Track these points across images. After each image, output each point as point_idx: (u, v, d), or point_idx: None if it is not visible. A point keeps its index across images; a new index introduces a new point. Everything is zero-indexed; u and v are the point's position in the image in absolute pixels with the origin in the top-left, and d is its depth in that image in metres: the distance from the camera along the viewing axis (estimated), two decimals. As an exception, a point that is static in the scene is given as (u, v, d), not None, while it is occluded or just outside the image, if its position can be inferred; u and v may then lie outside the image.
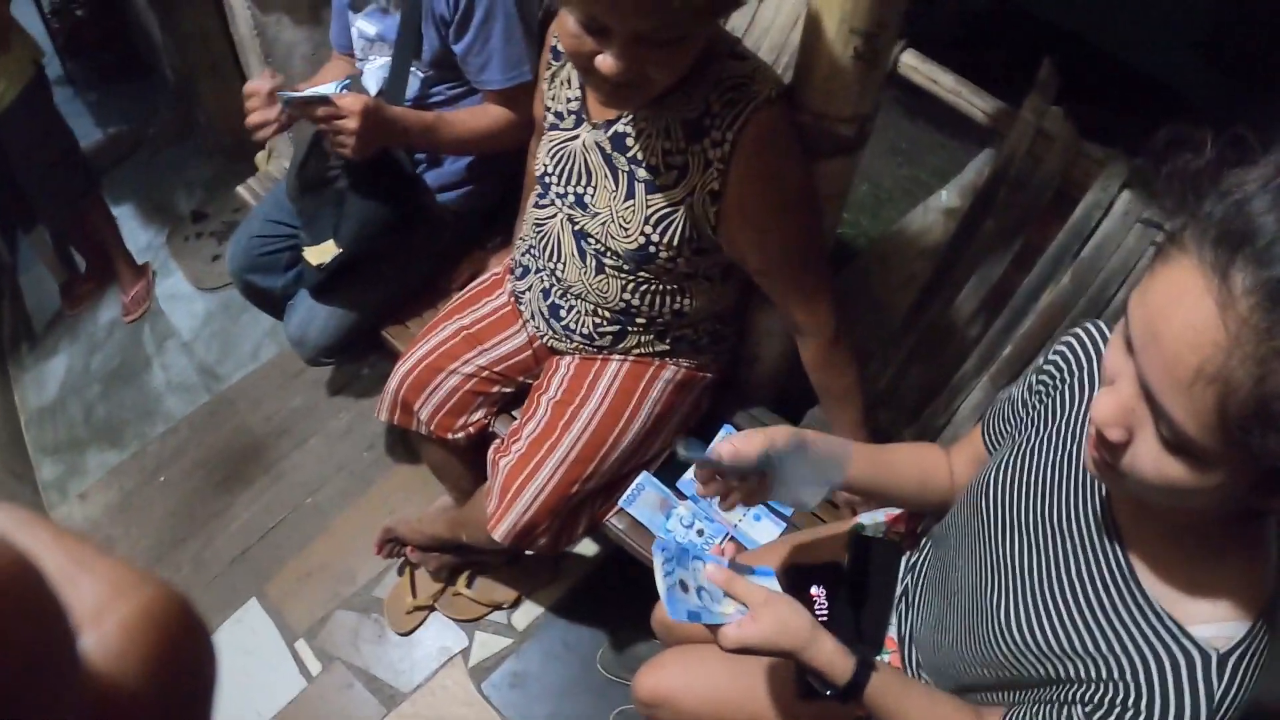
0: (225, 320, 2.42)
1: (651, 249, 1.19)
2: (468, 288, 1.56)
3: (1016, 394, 0.98)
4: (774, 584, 0.96)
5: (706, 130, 1.09)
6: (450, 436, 1.48)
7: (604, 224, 1.21)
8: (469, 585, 1.78)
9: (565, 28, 0.98)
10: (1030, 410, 0.94)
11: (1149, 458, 0.62)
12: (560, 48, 1.24)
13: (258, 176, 2.07)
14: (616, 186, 1.19)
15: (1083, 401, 0.85)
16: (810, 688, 0.93)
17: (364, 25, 1.57)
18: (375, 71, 1.58)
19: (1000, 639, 0.85)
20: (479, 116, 1.53)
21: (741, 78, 1.09)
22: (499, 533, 1.34)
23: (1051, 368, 0.92)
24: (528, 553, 1.64)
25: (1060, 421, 0.87)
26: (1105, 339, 0.87)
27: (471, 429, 1.49)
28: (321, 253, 1.59)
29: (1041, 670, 0.81)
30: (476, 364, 1.45)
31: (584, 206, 1.23)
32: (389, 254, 1.63)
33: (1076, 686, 0.78)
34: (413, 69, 1.54)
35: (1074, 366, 0.89)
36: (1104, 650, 0.76)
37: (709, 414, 1.55)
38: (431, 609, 1.78)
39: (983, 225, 1.48)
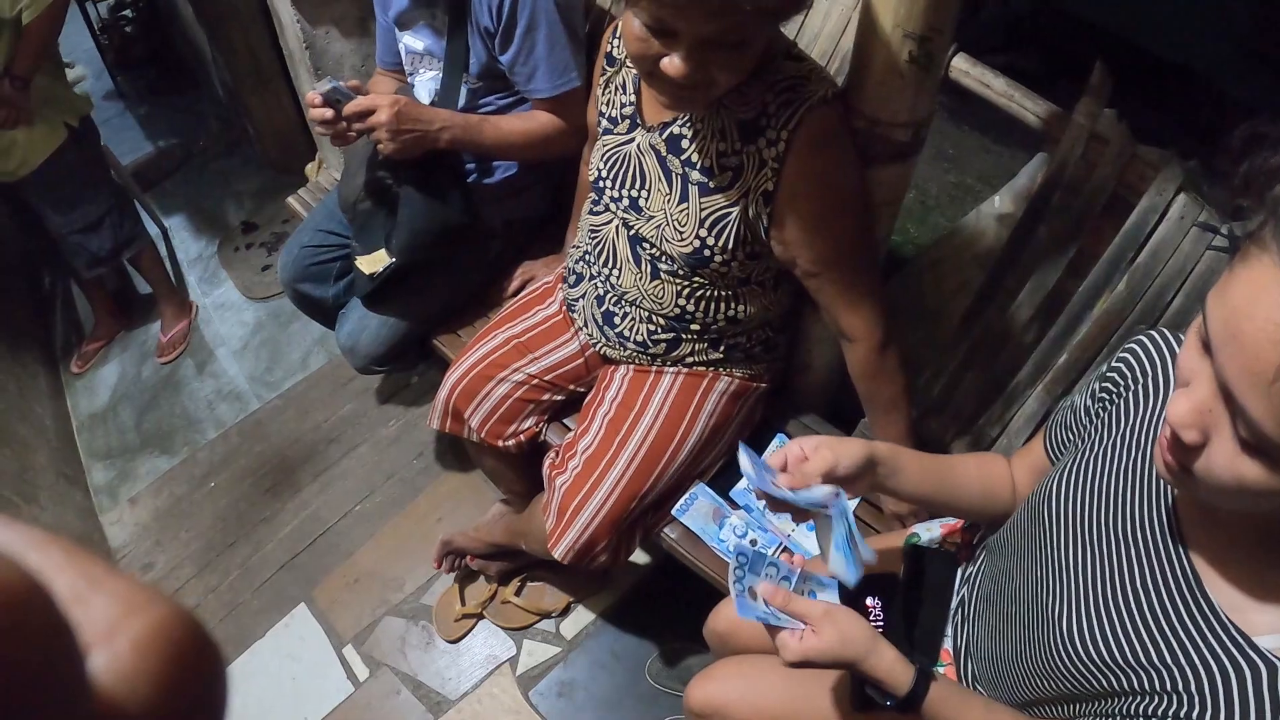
0: (274, 329, 2.46)
1: (706, 252, 1.19)
2: (519, 296, 1.58)
3: (1079, 401, 0.97)
4: (835, 596, 0.95)
5: (762, 130, 1.10)
6: (501, 444, 1.49)
7: (659, 227, 1.22)
8: (517, 593, 1.79)
9: (630, 30, 0.99)
10: (1093, 418, 0.93)
11: (1224, 459, 0.62)
12: (616, 54, 1.25)
13: (308, 187, 2.10)
14: (670, 189, 1.19)
15: (1146, 409, 0.84)
16: (868, 698, 0.92)
17: (411, 41, 1.59)
18: (426, 84, 1.61)
19: (1062, 649, 0.84)
20: (527, 120, 1.54)
21: (798, 78, 1.09)
22: (558, 551, 1.34)
23: (1115, 375, 0.91)
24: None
25: (1125, 429, 0.86)
26: (1168, 346, 0.86)
27: (522, 436, 1.50)
28: (374, 262, 1.61)
29: (1103, 683, 0.80)
30: (527, 372, 1.46)
31: (638, 210, 1.24)
32: (440, 263, 1.65)
33: (1139, 699, 0.76)
34: (463, 81, 1.56)
35: (1137, 374, 0.88)
36: (1168, 661, 0.74)
37: (762, 422, 1.54)
38: (480, 617, 1.79)
39: (1037, 231, 1.46)
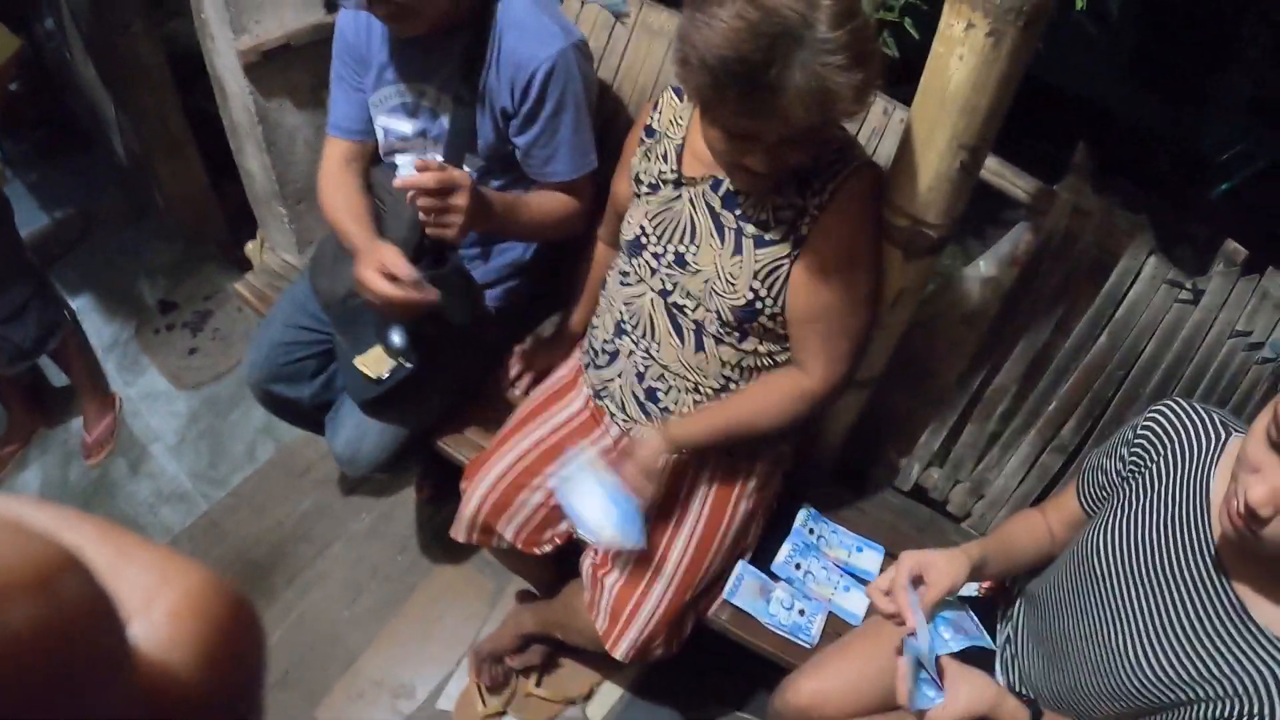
0: (212, 419, 2.28)
1: (759, 304, 1.21)
2: (536, 392, 1.53)
3: (1108, 465, 1.14)
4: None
5: (809, 182, 1.15)
6: (538, 552, 1.45)
7: (707, 281, 1.22)
8: (538, 684, 1.75)
9: (711, 137, 1.05)
10: (1125, 478, 1.11)
11: None
12: (657, 126, 1.29)
13: (256, 272, 1.96)
14: (723, 243, 1.21)
15: (1178, 472, 1.03)
16: None
17: (395, 123, 1.50)
18: (410, 168, 1.52)
19: (1129, 676, 1.01)
20: (549, 200, 1.48)
21: (846, 142, 1.18)
22: (619, 652, 1.33)
23: (1143, 442, 1.09)
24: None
25: (1160, 488, 1.04)
26: (1186, 415, 1.05)
27: (559, 540, 1.46)
28: (377, 363, 1.51)
29: (1170, 696, 0.97)
30: (559, 477, 1.42)
31: (684, 265, 1.24)
32: (445, 361, 1.57)
33: (1203, 706, 0.93)
34: (465, 164, 1.49)
35: (1165, 440, 1.06)
36: (1225, 673, 0.92)
37: (785, 492, 1.57)
38: (503, 714, 1.73)
39: (1027, 296, 1.57)
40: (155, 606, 0.22)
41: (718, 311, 1.23)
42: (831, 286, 1.18)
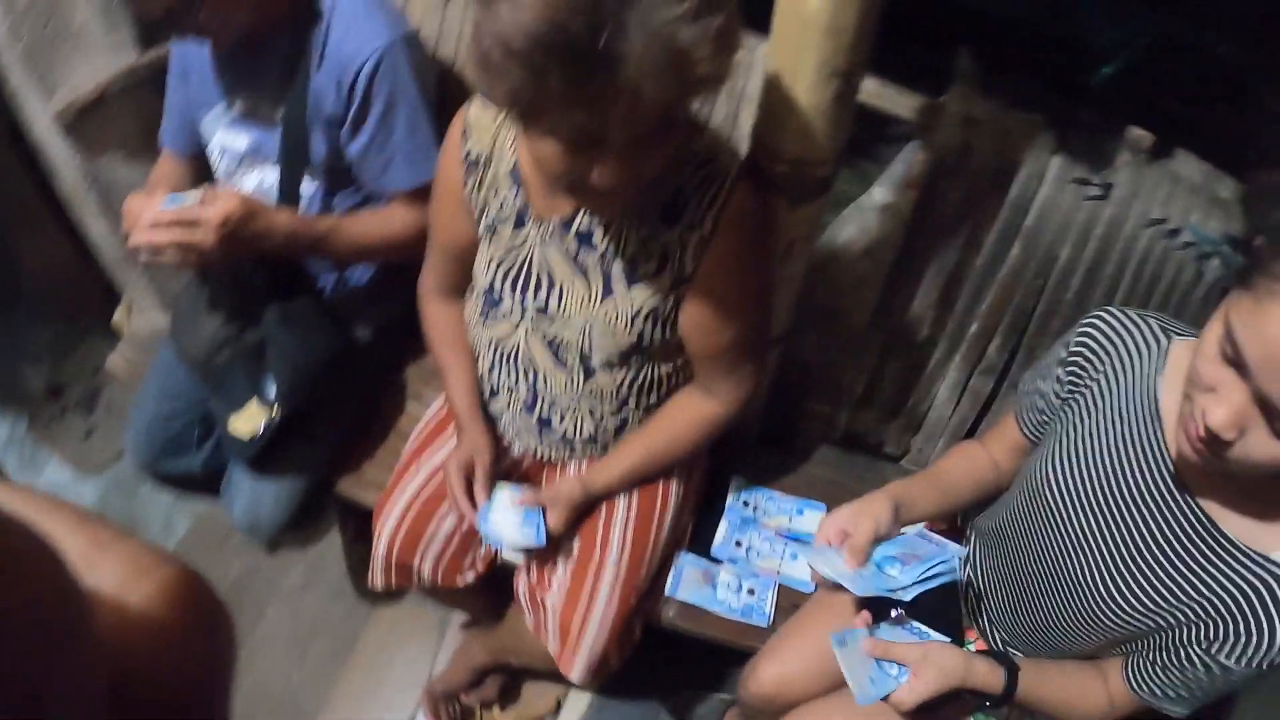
0: (122, 501, 2.14)
1: (645, 342, 1.11)
2: (421, 424, 1.42)
3: (1045, 388, 1.06)
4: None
5: (681, 210, 1.02)
6: (460, 583, 1.36)
7: (582, 329, 1.11)
8: (504, 709, 1.67)
9: (544, 154, 0.85)
10: (1063, 401, 1.04)
11: (1262, 447, 0.73)
12: (475, 153, 1.09)
13: (126, 341, 1.82)
14: (590, 288, 1.08)
15: (1121, 386, 0.95)
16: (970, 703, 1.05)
17: (228, 140, 1.37)
18: (253, 189, 1.39)
19: (1105, 607, 0.95)
20: (386, 221, 1.36)
21: (708, 153, 1.02)
22: (575, 674, 1.25)
23: (1079, 359, 1.01)
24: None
25: (1106, 407, 0.96)
26: (1120, 323, 0.97)
27: (480, 565, 1.37)
28: (250, 420, 1.40)
29: (1149, 623, 0.92)
30: (468, 498, 1.33)
31: (550, 316, 1.12)
32: (322, 399, 1.46)
33: (1186, 630, 0.89)
34: (304, 181, 1.37)
35: (1102, 354, 0.98)
36: (1204, 593, 0.86)
37: (713, 469, 1.49)
38: (472, 750, 1.66)
39: (930, 218, 1.48)
40: (129, 596, 0.24)
41: (603, 349, 1.12)
42: (731, 319, 1.08)
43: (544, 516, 1.22)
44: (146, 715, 0.23)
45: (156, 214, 1.15)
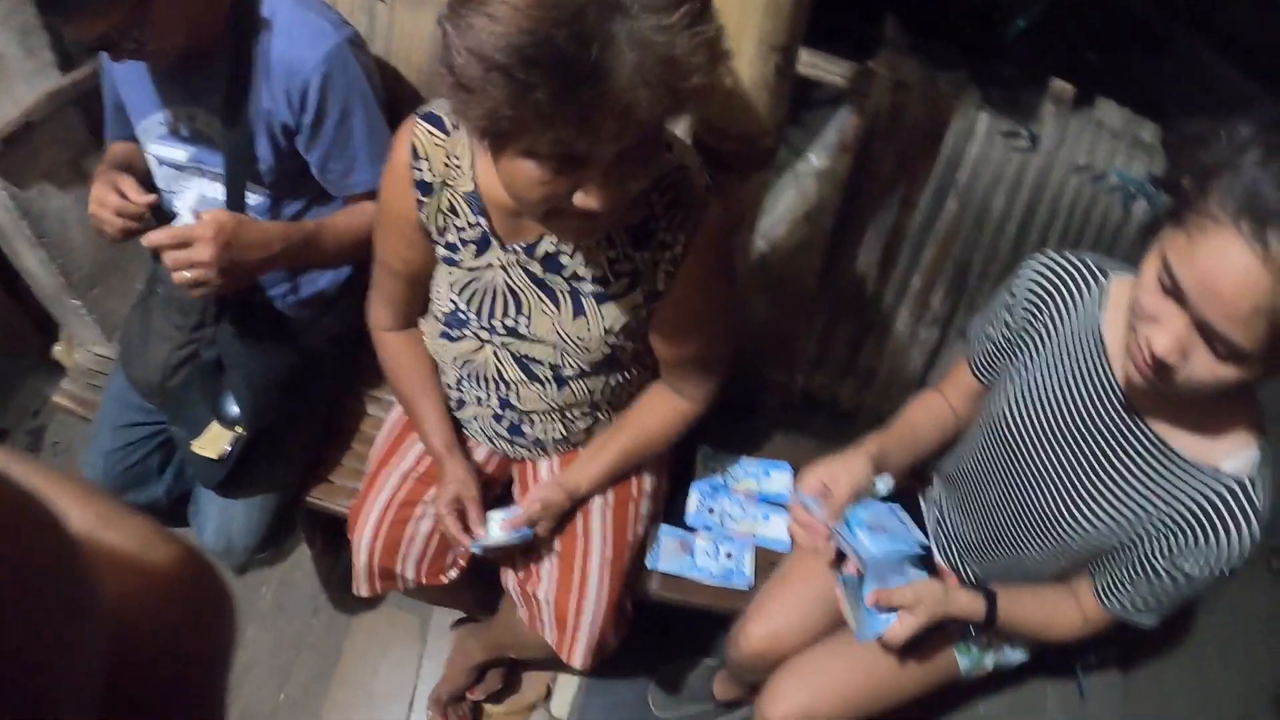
0: (79, 539, 2.09)
1: (617, 354, 1.14)
2: (385, 429, 1.42)
3: (993, 332, 1.12)
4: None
5: (652, 233, 1.01)
6: (445, 580, 1.36)
7: (554, 347, 1.11)
8: (498, 702, 1.68)
9: (521, 178, 0.79)
10: (1011, 343, 1.09)
11: (1205, 370, 0.79)
12: (428, 178, 1.03)
13: (70, 376, 1.77)
14: (559, 307, 1.08)
15: (1068, 324, 1.00)
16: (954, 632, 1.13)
17: (166, 151, 1.34)
18: (193, 200, 1.34)
19: (1070, 531, 1.02)
20: (357, 215, 1.34)
21: (675, 170, 1.00)
22: (577, 661, 1.26)
23: (1023, 303, 1.05)
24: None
25: (1054, 344, 1.02)
26: (1060, 265, 1.02)
27: (462, 560, 1.38)
28: (214, 442, 1.38)
29: (1114, 540, 0.99)
30: (441, 497, 1.33)
31: (519, 335, 1.12)
32: (286, 414, 1.44)
33: (1148, 543, 0.96)
34: (250, 190, 1.34)
35: (1044, 296, 1.03)
36: (1161, 508, 0.93)
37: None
38: (470, 746, 1.67)
39: (866, 180, 1.53)
40: (132, 573, 0.23)
41: (575, 364, 1.13)
42: (701, 329, 1.12)
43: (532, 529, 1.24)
44: (147, 686, 0.23)
45: (150, 237, 1.15)
